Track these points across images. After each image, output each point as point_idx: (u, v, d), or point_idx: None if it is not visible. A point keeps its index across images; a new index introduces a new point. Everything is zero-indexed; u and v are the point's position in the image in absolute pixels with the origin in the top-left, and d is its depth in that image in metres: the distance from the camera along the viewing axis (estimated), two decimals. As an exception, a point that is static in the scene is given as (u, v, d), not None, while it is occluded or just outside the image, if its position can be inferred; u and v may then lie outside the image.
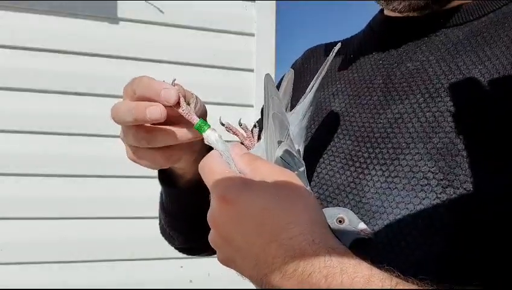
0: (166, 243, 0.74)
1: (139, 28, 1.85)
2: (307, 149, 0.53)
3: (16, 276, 1.68)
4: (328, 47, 0.67)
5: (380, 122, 0.51)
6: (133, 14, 1.84)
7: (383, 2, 0.56)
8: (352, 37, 0.69)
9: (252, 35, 1.98)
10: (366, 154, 0.50)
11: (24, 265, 1.69)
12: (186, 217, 0.65)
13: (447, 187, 0.42)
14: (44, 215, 1.72)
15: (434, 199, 0.42)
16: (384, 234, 0.44)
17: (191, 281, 1.85)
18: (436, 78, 0.49)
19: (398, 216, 0.44)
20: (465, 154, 0.42)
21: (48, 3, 1.73)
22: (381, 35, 0.60)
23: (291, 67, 0.71)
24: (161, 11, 1.86)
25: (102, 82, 1.78)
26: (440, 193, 0.42)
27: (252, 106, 1.96)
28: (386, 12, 0.61)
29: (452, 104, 0.45)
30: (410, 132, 0.47)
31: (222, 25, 1.94)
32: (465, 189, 0.41)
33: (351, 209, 0.46)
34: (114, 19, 1.82)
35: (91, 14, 1.78)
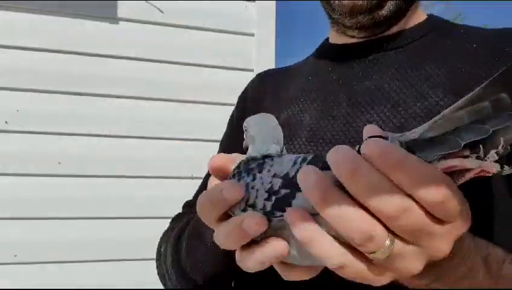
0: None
1: (139, 28, 1.85)
2: None
3: (16, 276, 1.68)
4: (278, 74, 0.78)
5: (352, 130, 0.58)
6: (133, 14, 1.84)
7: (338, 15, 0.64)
8: (295, 64, 0.78)
9: (252, 35, 1.98)
10: None
11: (24, 265, 1.69)
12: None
13: None
14: (44, 216, 1.72)
15: None
16: None
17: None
18: (393, 92, 0.58)
19: None
20: None
21: (48, 3, 1.73)
22: (334, 59, 0.69)
23: (241, 95, 0.81)
24: (161, 11, 1.87)
25: (102, 82, 1.78)
26: None
27: (252, 106, 1.96)
28: (332, 41, 0.72)
29: (413, 111, 0.54)
30: None
31: (222, 25, 1.94)
32: None
33: None
34: (114, 19, 1.82)
35: (91, 14, 1.79)
